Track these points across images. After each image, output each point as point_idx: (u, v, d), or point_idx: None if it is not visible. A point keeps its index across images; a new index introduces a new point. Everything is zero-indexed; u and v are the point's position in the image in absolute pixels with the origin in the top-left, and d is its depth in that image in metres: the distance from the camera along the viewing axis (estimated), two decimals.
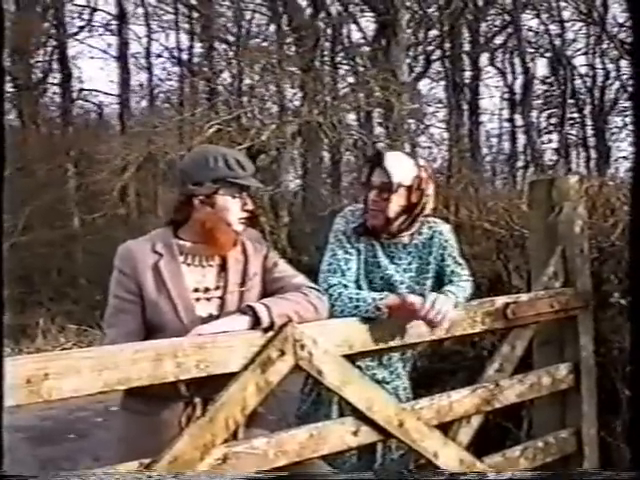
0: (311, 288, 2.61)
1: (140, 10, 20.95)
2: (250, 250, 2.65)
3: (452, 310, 2.78)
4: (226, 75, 16.45)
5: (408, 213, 2.98)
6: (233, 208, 2.55)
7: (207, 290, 2.57)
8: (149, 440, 2.35)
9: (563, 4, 20.58)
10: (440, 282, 3.07)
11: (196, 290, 2.55)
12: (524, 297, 3.28)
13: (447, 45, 20.09)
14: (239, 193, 2.56)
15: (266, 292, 2.61)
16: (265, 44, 16.44)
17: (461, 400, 2.97)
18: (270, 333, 2.36)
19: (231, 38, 16.93)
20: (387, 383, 3.07)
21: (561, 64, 20.60)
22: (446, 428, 2.93)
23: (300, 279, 2.65)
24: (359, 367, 2.83)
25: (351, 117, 16.05)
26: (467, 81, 21.27)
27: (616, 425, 3.64)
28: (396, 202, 2.96)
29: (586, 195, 3.86)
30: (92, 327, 10.69)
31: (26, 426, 5.95)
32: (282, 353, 2.38)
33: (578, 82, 21.58)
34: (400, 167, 2.96)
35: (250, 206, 2.60)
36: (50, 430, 6.41)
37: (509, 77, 22.54)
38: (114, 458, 2.36)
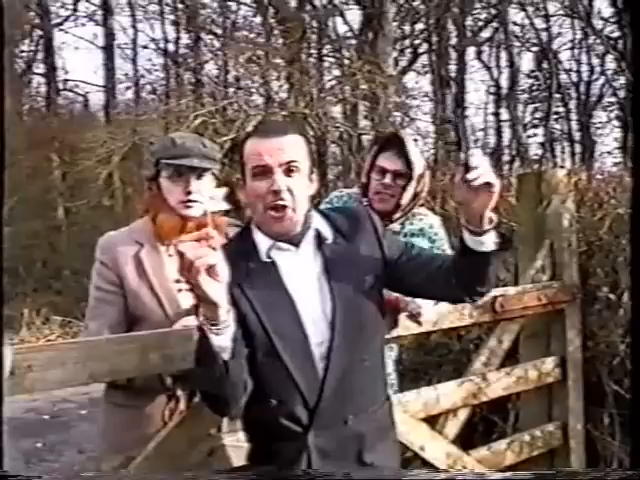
0: None
1: (124, 0, 20.89)
2: None
3: (431, 303, 2.75)
4: (212, 66, 16.39)
5: (414, 202, 2.97)
6: (174, 191, 2.47)
7: None
8: (132, 433, 2.34)
9: None
10: None
11: (178, 281, 2.49)
12: (512, 290, 3.27)
13: (433, 39, 20.06)
14: (178, 176, 2.46)
15: None
16: (251, 36, 16.34)
17: (448, 393, 2.97)
18: None
19: (217, 29, 16.83)
20: None
21: (547, 58, 20.63)
22: (433, 421, 2.93)
23: None
24: None
25: (337, 109, 15.99)
26: (453, 75, 21.27)
27: (602, 419, 3.64)
28: (411, 190, 2.94)
29: (575, 189, 3.85)
30: (77, 319, 10.62)
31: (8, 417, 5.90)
32: None
33: (564, 76, 21.63)
34: (419, 155, 2.93)
35: (191, 188, 2.45)
36: (33, 422, 6.36)
37: (495, 71, 22.60)
38: (98, 451, 2.34)
